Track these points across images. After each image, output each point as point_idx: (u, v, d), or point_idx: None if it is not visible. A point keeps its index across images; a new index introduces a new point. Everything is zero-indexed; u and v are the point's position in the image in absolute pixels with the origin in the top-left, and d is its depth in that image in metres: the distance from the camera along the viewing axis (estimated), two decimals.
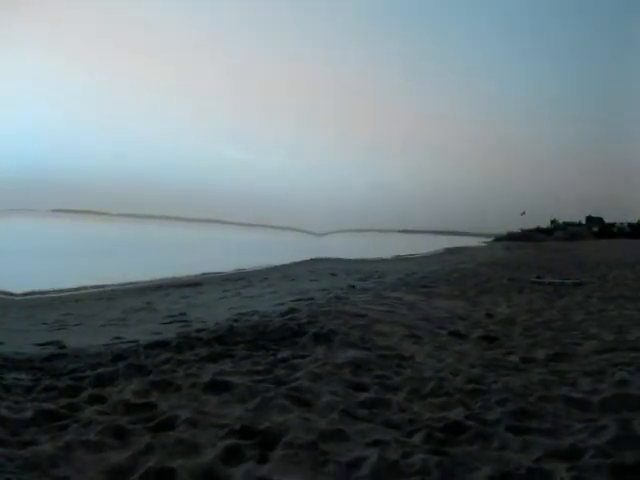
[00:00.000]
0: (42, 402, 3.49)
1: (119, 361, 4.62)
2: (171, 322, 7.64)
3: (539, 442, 3.03)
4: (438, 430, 3.20)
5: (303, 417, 3.32)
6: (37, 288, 12.57)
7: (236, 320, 6.98)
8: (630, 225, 79.25)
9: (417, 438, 3.09)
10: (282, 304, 8.70)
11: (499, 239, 72.76)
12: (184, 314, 8.38)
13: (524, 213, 77.72)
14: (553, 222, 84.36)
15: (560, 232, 75.19)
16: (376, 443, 2.96)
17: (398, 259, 29.14)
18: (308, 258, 25.19)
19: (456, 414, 3.47)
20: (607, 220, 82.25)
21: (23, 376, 4.18)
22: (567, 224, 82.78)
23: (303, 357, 4.86)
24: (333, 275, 15.85)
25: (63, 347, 5.60)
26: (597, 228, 78.96)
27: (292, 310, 7.47)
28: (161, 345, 5.24)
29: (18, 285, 12.47)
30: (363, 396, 3.83)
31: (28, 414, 3.21)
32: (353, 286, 11.73)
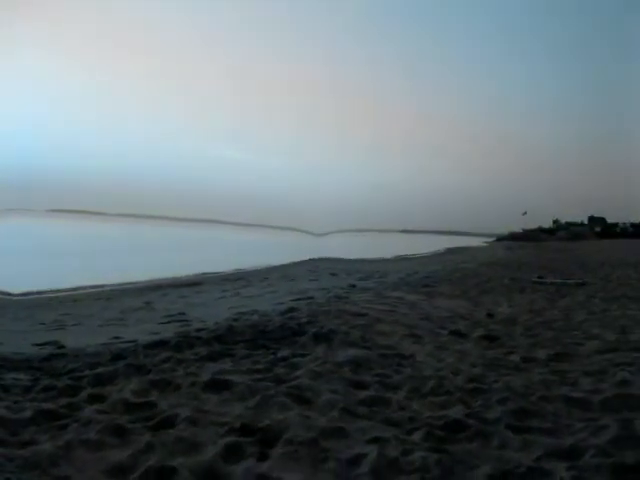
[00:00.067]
0: (41, 402, 3.48)
1: (118, 360, 4.61)
2: (170, 322, 7.62)
3: (539, 441, 3.03)
4: (438, 428, 3.20)
5: (303, 415, 3.32)
6: (35, 288, 12.53)
7: (236, 319, 6.97)
8: (633, 225, 79.31)
9: (417, 436, 3.10)
10: (282, 303, 8.69)
11: (501, 239, 72.76)
12: (183, 314, 8.36)
13: (525, 213, 77.89)
14: (555, 222, 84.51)
15: (562, 232, 75.21)
16: (376, 440, 2.96)
17: (399, 259, 29.11)
18: (308, 258, 25.14)
19: (456, 412, 3.47)
20: (610, 220, 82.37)
21: (22, 376, 4.17)
22: (569, 224, 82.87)
23: (303, 356, 4.86)
24: (333, 275, 15.83)
25: (61, 347, 5.59)
26: (600, 228, 78.95)
27: (292, 309, 7.47)
28: (160, 344, 5.23)
29: (16, 285, 12.45)
30: (363, 394, 3.83)
31: (27, 414, 3.20)
32: (353, 285, 11.70)
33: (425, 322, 7.14)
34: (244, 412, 3.38)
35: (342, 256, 27.53)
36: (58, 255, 23.48)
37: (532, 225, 78.94)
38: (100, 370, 4.27)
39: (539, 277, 13.89)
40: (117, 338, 6.03)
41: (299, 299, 9.23)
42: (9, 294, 11.70)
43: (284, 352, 4.97)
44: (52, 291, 12.65)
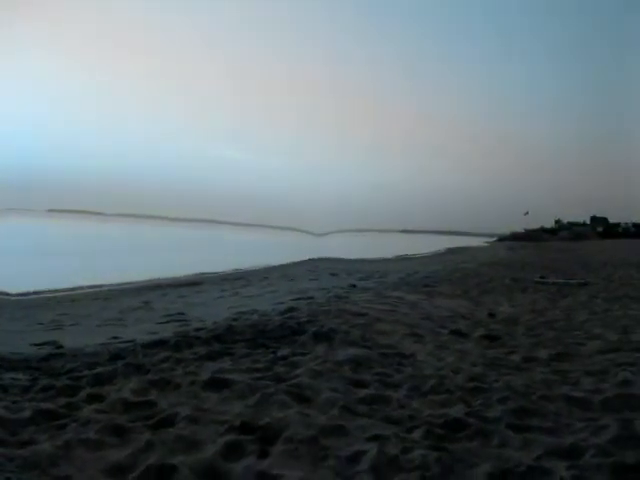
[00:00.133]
0: (40, 402, 3.48)
1: (117, 360, 4.60)
2: (169, 321, 7.60)
3: (540, 440, 3.03)
4: (438, 426, 3.20)
5: (303, 413, 3.32)
6: (32, 288, 12.49)
7: (235, 319, 6.96)
8: (635, 225, 79.24)
9: (417, 434, 3.10)
10: (282, 303, 8.67)
11: (502, 239, 72.75)
12: (182, 313, 8.34)
13: (527, 213, 77.77)
14: (557, 222, 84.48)
15: (564, 232, 75.16)
16: (376, 438, 2.97)
17: (399, 259, 29.08)
18: (308, 258, 25.10)
19: (456, 411, 3.47)
20: (612, 220, 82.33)
21: (20, 376, 4.16)
22: (571, 224, 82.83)
23: (303, 355, 4.86)
24: (333, 275, 15.80)
25: (60, 347, 5.59)
26: (602, 228, 78.93)
27: (292, 309, 7.46)
28: (159, 344, 5.23)
29: (13, 285, 12.40)
30: (363, 393, 3.83)
31: (26, 414, 3.20)
32: (354, 285, 11.66)
33: (426, 322, 7.12)
34: (244, 410, 3.38)
35: (342, 256, 27.51)
36: (57, 255, 23.45)
37: (534, 225, 79.01)
38: (99, 370, 4.26)
39: (541, 277, 13.85)
40: (116, 338, 6.02)
41: (299, 299, 9.21)
42: (7, 294, 11.67)
43: (284, 351, 4.96)
44: (50, 291, 12.63)
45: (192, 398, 3.61)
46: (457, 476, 2.62)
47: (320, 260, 24.56)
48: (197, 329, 6.17)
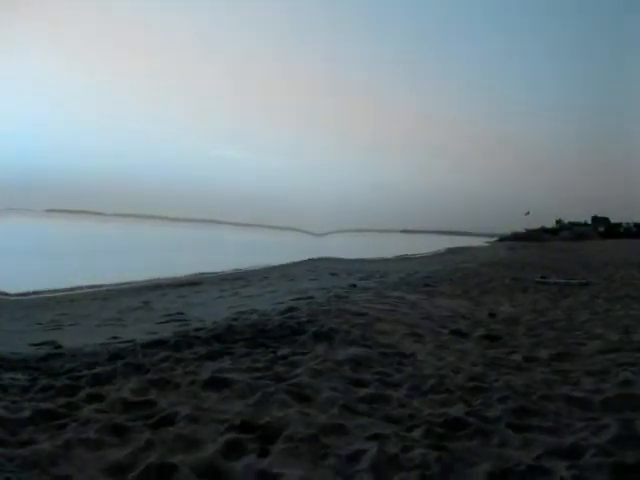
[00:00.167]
0: (39, 402, 3.47)
1: (116, 360, 4.59)
2: (168, 321, 7.58)
3: (540, 440, 3.02)
4: (438, 425, 3.20)
5: (303, 412, 3.32)
6: (31, 288, 12.47)
7: (235, 319, 6.95)
8: (637, 225, 79.05)
9: (417, 433, 3.10)
10: (281, 303, 8.66)
11: (503, 239, 72.70)
12: (182, 313, 8.31)
13: (528, 213, 77.66)
14: (558, 222, 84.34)
15: (566, 232, 74.98)
16: (376, 437, 2.97)
17: (399, 259, 29.06)
18: (308, 258, 25.07)
19: (456, 410, 3.47)
20: (613, 220, 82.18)
21: (19, 376, 4.15)
22: (573, 224, 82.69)
23: (303, 354, 4.85)
24: (333, 275, 15.78)
25: (59, 347, 5.58)
26: (603, 228, 78.72)
27: (292, 309, 7.45)
28: (159, 344, 5.22)
29: (13, 285, 12.38)
30: (363, 392, 3.83)
31: (26, 414, 3.19)
32: (354, 285, 11.64)
33: (426, 321, 7.10)
34: (244, 409, 3.38)
35: (342, 256, 27.47)
36: (56, 255, 23.43)
37: (535, 225, 78.95)
38: (98, 370, 4.25)
39: (542, 277, 13.82)
40: (115, 338, 6.01)
41: (299, 299, 9.19)
42: (6, 294, 11.65)
43: (284, 351, 4.96)
44: (49, 291, 12.62)
45: (192, 397, 3.61)
46: (457, 475, 2.62)
47: (320, 260, 24.53)
48: (197, 329, 6.16)
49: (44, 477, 2.51)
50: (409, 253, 34.72)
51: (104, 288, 13.65)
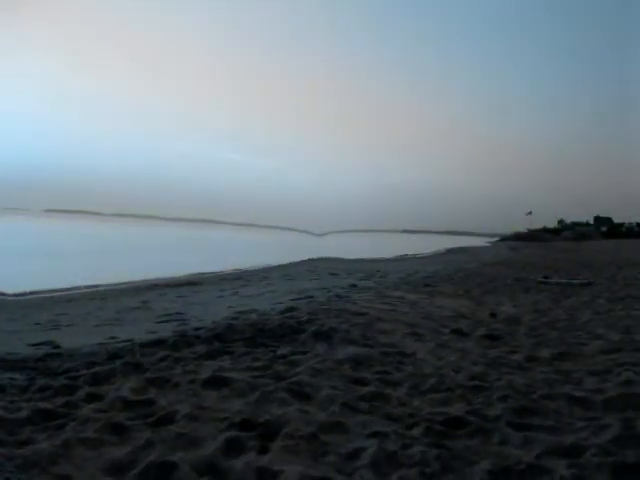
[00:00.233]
0: (38, 401, 3.47)
1: (115, 360, 4.57)
2: (167, 321, 7.54)
3: (540, 439, 3.01)
4: (438, 424, 3.20)
5: (303, 410, 3.33)
6: (29, 288, 12.44)
7: (235, 318, 6.93)
8: (639, 225, 79.12)
9: (417, 431, 3.10)
10: (281, 302, 8.64)
11: (505, 239, 72.65)
12: (181, 313, 8.26)
13: (530, 213, 77.72)
14: (560, 222, 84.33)
15: (568, 232, 74.94)
16: (376, 435, 2.97)
17: (399, 259, 29.01)
18: (307, 258, 25.03)
19: (457, 409, 3.47)
20: (616, 220, 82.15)
21: (18, 376, 4.15)
22: (575, 224, 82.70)
23: (303, 353, 4.85)
24: (333, 274, 15.74)
25: (57, 347, 5.55)
26: (605, 228, 78.68)
27: (292, 308, 7.43)
28: (158, 343, 5.21)
29: (11, 285, 12.34)
30: (363, 390, 3.83)
31: (24, 413, 3.19)
32: (354, 285, 11.60)
33: (426, 321, 7.08)
34: (244, 408, 3.38)
35: (342, 256, 27.42)
36: (54, 255, 23.39)
37: (537, 225, 79.02)
38: (97, 369, 4.23)
39: (544, 277, 13.77)
40: (113, 338, 5.97)
41: (299, 298, 9.17)
42: (4, 294, 11.62)
43: (284, 350, 4.95)
44: (47, 291, 12.57)
45: (192, 396, 3.61)
46: (456, 473, 2.62)
47: (320, 260, 24.50)
48: (196, 328, 6.14)
49: (44, 477, 2.51)
50: (409, 253, 34.69)
51: (102, 288, 13.62)
